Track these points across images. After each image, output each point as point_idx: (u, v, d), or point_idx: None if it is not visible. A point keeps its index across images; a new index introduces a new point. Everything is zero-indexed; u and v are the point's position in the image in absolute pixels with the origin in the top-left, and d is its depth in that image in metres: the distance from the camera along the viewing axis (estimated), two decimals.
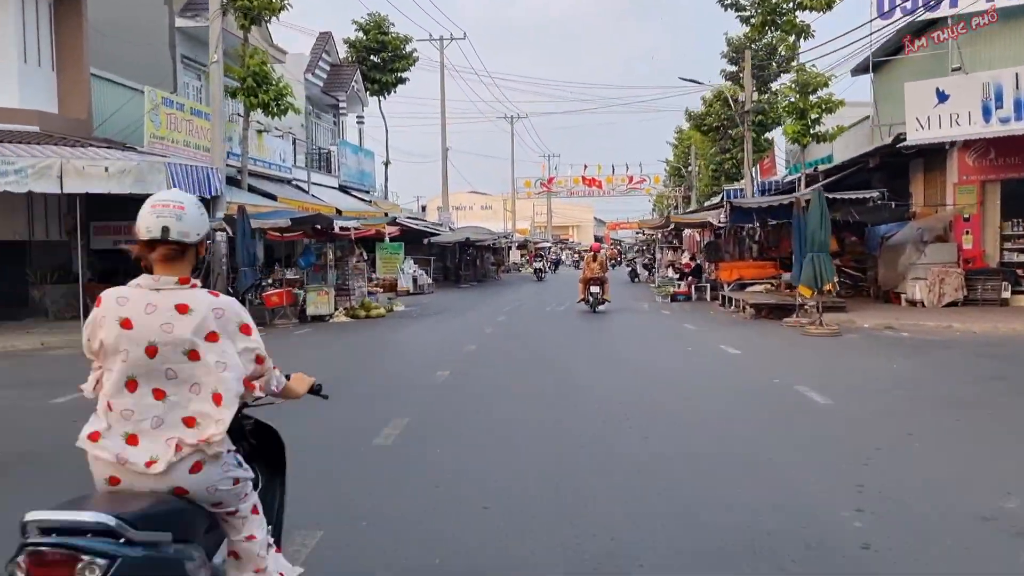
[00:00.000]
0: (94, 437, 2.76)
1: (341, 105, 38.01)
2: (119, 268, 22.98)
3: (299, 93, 34.21)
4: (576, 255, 66.14)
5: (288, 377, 3.26)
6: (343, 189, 36.10)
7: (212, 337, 2.78)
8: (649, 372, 11.46)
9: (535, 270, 44.35)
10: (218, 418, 2.76)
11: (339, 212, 29.02)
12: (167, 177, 18.83)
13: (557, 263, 57.26)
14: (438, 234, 40.93)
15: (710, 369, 11.70)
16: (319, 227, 21.22)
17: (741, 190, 31.68)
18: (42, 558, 2.34)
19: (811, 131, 26.54)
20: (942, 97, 18.11)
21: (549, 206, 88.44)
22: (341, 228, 19.49)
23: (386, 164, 40.41)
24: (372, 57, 39.92)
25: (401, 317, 22.04)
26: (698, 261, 26.82)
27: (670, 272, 33.39)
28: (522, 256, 64.23)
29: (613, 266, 40.34)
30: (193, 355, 2.76)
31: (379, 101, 40.42)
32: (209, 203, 21.63)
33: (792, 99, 26.52)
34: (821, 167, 28.06)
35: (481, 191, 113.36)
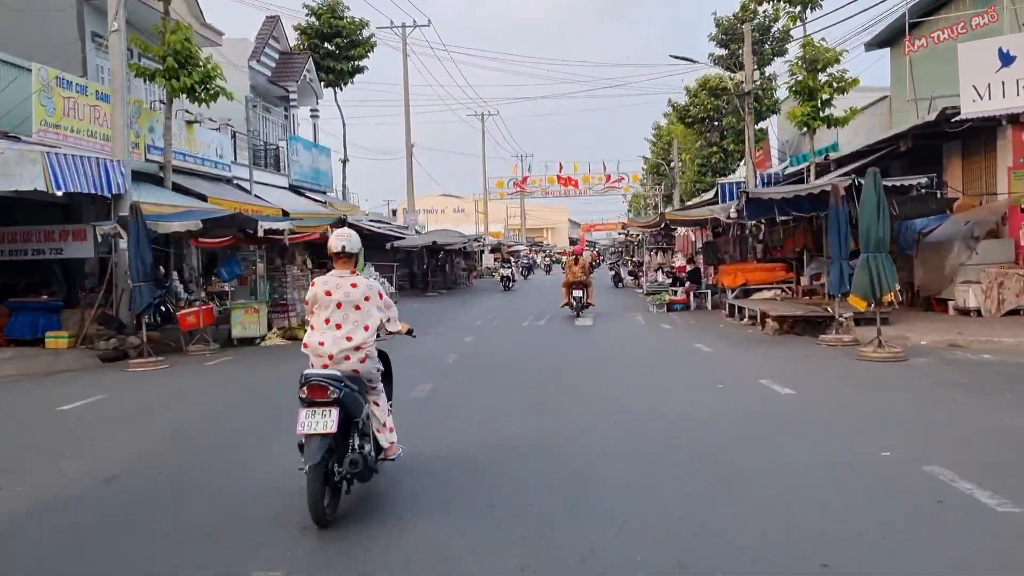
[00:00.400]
0: (311, 349, 5.66)
1: (292, 97, 34.08)
2: (18, 282, 19.23)
3: (242, 82, 30.31)
4: (548, 258, 62.34)
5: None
6: (295, 189, 32.19)
7: (367, 299, 5.70)
8: (677, 438, 7.56)
9: (501, 279, 38.19)
10: (369, 339, 5.69)
11: (286, 214, 25.19)
12: (45, 170, 14.94)
13: (530, 268, 52.76)
14: (402, 238, 37.12)
15: (767, 428, 7.86)
16: (250, 231, 17.35)
17: (738, 184, 28.21)
18: (313, 385, 5.31)
19: (821, 114, 23.12)
20: (1006, 59, 14.70)
21: (523, 207, 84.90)
22: (268, 231, 15.65)
23: (344, 162, 36.55)
24: (326, 44, 36.02)
25: None
26: (696, 264, 23.26)
27: (659, 276, 29.86)
28: (496, 260, 60.38)
29: (594, 267, 36.70)
30: (358, 307, 5.66)
31: (335, 93, 36.51)
32: (111, 203, 17.89)
33: (799, 77, 23.03)
34: (833, 155, 24.63)
35: (453, 194, 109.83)
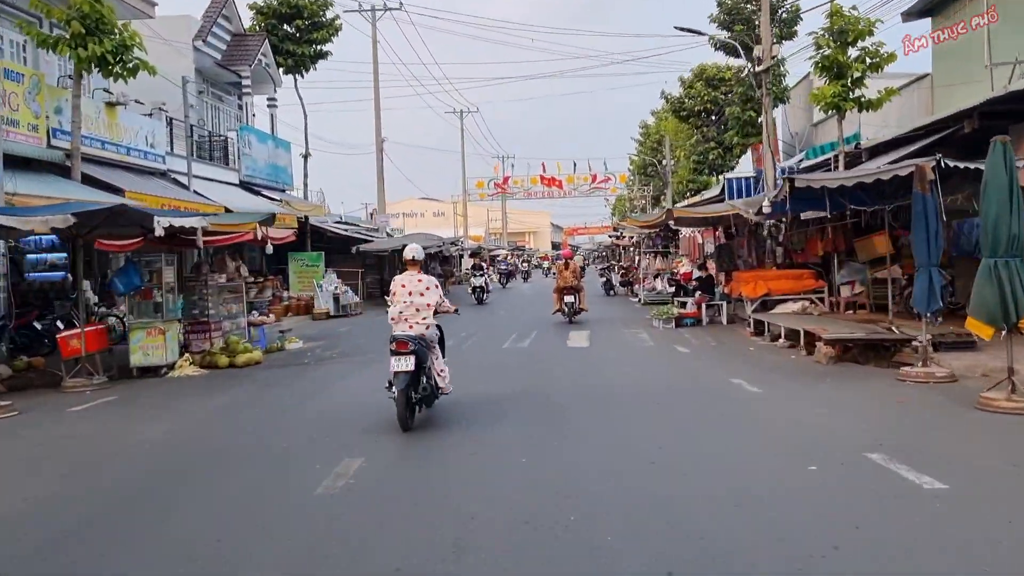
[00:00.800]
0: (395, 319, 8.64)
1: (245, 83, 30.17)
2: None
3: (184, 65, 26.43)
4: (526, 263, 58.46)
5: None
6: (247, 186, 28.30)
7: (427, 289, 8.70)
8: None
9: (472, 290, 31.23)
10: (429, 315, 8.69)
11: (228, 213, 21.37)
12: None
13: (509, 274, 47.63)
14: (371, 241, 33.26)
15: None
16: (162, 231, 13.46)
17: (747, 178, 24.67)
18: (399, 341, 8.25)
19: (852, 94, 19.54)
20: None
21: (504, 209, 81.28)
22: (169, 229, 11.77)
23: (305, 157, 32.64)
24: (284, 26, 32.12)
25: (284, 365, 14.36)
26: (709, 271, 19.59)
27: (659, 284, 26.22)
28: (475, 265, 56.65)
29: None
30: (422, 294, 8.64)
31: (295, 80, 32.62)
32: None
33: (826, 52, 19.43)
34: (863, 144, 21.04)
35: (433, 197, 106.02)
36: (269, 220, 14.29)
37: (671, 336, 16.86)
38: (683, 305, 19.27)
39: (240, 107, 31.22)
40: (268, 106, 32.63)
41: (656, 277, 26.10)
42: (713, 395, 9.97)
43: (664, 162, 44.37)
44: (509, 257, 60.92)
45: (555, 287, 20.93)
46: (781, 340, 14.31)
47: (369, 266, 37.62)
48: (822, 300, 18.31)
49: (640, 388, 10.46)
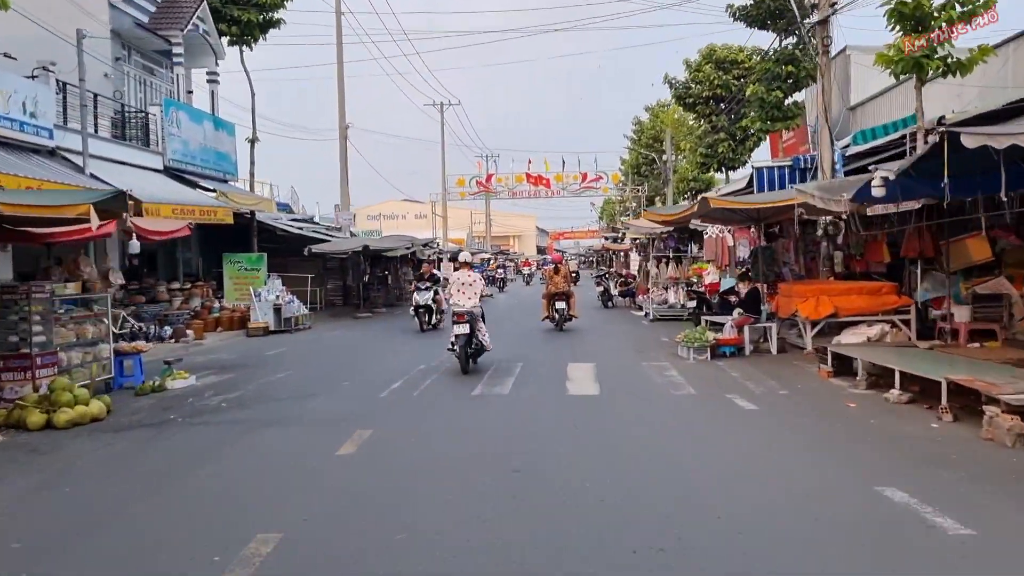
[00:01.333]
0: (454, 302, 12.92)
1: (176, 51, 24.95)
2: None
3: (98, 26, 21.24)
4: (502, 269, 52.84)
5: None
6: (173, 173, 23.11)
7: (475, 282, 13.10)
8: None
9: (415, 311, 21.07)
10: (476, 299, 12.93)
11: (132, 200, 16.26)
12: None
13: (503, 283, 36.17)
14: (327, 240, 28.12)
15: None
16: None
17: (784, 167, 19.68)
18: (458, 313, 12.54)
19: (937, 53, 14.62)
20: None
21: (488, 210, 76.35)
22: None
23: (251, 142, 27.47)
24: None
25: (133, 426, 9.05)
26: (754, 283, 14.49)
27: (672, 296, 21.21)
28: (421, 276, 51.46)
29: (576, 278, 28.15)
30: (471, 285, 13.01)
31: (241, 53, 27.46)
32: None
33: None
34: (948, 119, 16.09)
35: (415, 199, 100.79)
36: (114, 203, 9.12)
37: (711, 374, 11.82)
38: (717, 327, 14.23)
39: (174, 80, 26.00)
40: (208, 81, 27.45)
41: (669, 288, 21.09)
42: (880, 543, 4.91)
43: (665, 157, 39.48)
44: (496, 262, 54.30)
45: (544, 293, 20.06)
46: (897, 393, 9.27)
47: (330, 271, 32.50)
48: (906, 323, 13.40)
49: (739, 539, 5.36)
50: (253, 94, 27.39)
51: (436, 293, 20.96)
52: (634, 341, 16.68)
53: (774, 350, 13.90)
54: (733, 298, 14.93)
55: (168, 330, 18.89)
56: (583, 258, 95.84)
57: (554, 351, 15.13)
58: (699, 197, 13.22)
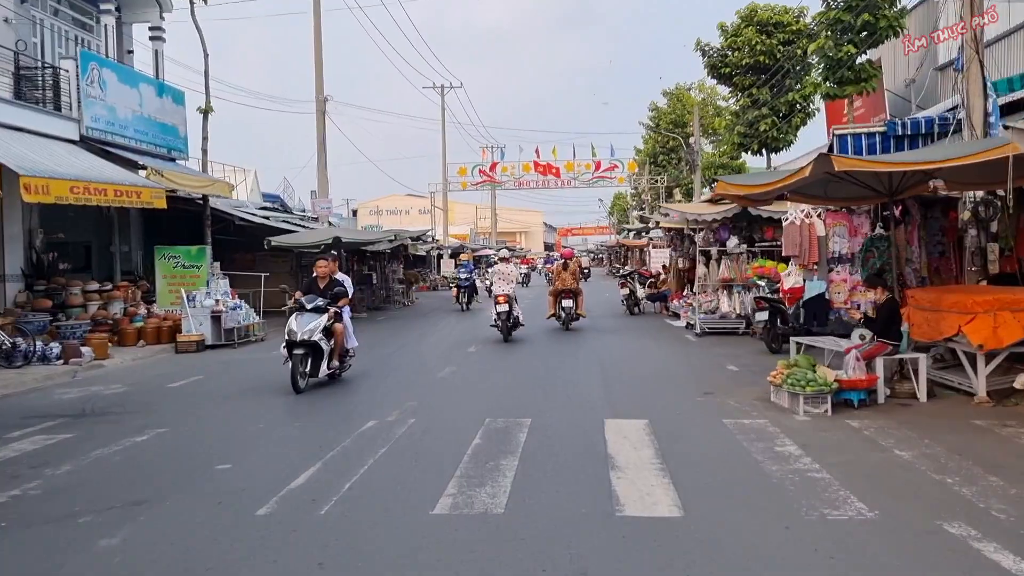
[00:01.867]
0: (496, 289, 16.48)
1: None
2: None
3: None
4: (483, 263, 46.81)
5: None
6: (95, 145, 18.15)
7: (513, 271, 17.71)
8: None
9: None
10: (514, 285, 17.01)
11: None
12: None
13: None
14: (294, 231, 23.13)
15: None
16: None
17: (875, 133, 14.64)
18: (499, 296, 16.07)
19: None
20: None
21: (493, 202, 71.41)
22: None
23: (204, 112, 22.44)
24: None
25: None
26: (885, 291, 9.39)
27: (725, 303, 16.17)
28: (499, 261, 46.56)
29: (586, 275, 23.35)
30: (510, 274, 17.10)
31: (191, 5, 22.38)
32: None
33: None
34: None
35: (419, 193, 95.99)
36: None
37: (862, 453, 6.72)
38: (849, 367, 9.15)
39: (118, 36, 21.03)
40: (152, 38, 22.48)
41: (721, 292, 16.03)
42: None
43: (692, 139, 34.31)
44: (497, 260, 46.70)
45: (551, 290, 18.85)
46: None
47: (306, 268, 27.56)
48: None
49: None
50: (206, 55, 22.33)
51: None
52: (691, 370, 11.62)
53: (922, 395, 8.85)
54: (861, 316, 9.85)
55: (55, 348, 13.93)
56: (592, 255, 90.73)
57: (577, 390, 10.11)
58: (817, 155, 8.03)
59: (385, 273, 28.35)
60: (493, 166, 48.02)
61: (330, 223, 27.45)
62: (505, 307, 15.79)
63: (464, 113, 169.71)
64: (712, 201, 17.95)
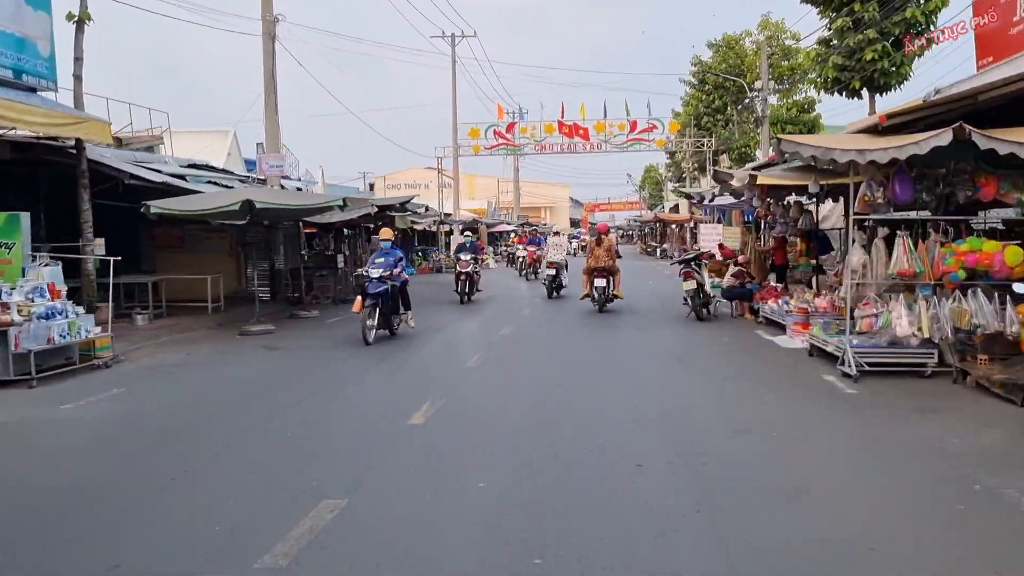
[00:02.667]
0: (550, 257, 20.52)
1: None
2: None
3: None
4: (505, 246, 38.78)
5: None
6: None
7: (561, 244, 21.98)
8: None
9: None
10: (565, 255, 21.44)
11: None
12: None
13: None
14: (194, 191, 15.69)
15: None
16: None
17: None
18: (551, 263, 19.89)
19: None
20: None
21: (516, 171, 63.88)
22: None
23: (77, 22, 15.24)
24: None
25: None
26: None
27: (903, 321, 8.61)
28: (466, 239, 39.17)
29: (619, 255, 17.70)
30: (561, 245, 21.66)
31: None
32: None
33: None
34: None
35: (442, 169, 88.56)
36: None
37: None
38: None
39: None
40: None
41: (894, 301, 8.48)
42: None
43: (758, 84, 26.43)
44: (552, 234, 35.28)
45: (585, 267, 16.65)
46: None
47: (250, 245, 20.38)
48: None
49: None
50: None
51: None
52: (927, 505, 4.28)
53: None
54: None
55: None
56: (622, 232, 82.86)
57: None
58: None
59: (357, 253, 21.01)
60: (510, 127, 40.41)
61: (282, 186, 20.10)
62: (553, 271, 19.37)
63: (479, 68, 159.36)
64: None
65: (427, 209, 36.93)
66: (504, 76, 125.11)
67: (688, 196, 19.77)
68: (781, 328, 12.27)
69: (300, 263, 20.50)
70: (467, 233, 23.39)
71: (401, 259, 13.08)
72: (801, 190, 11.83)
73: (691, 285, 13.86)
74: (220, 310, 17.27)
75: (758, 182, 11.02)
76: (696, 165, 48.46)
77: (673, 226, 46.31)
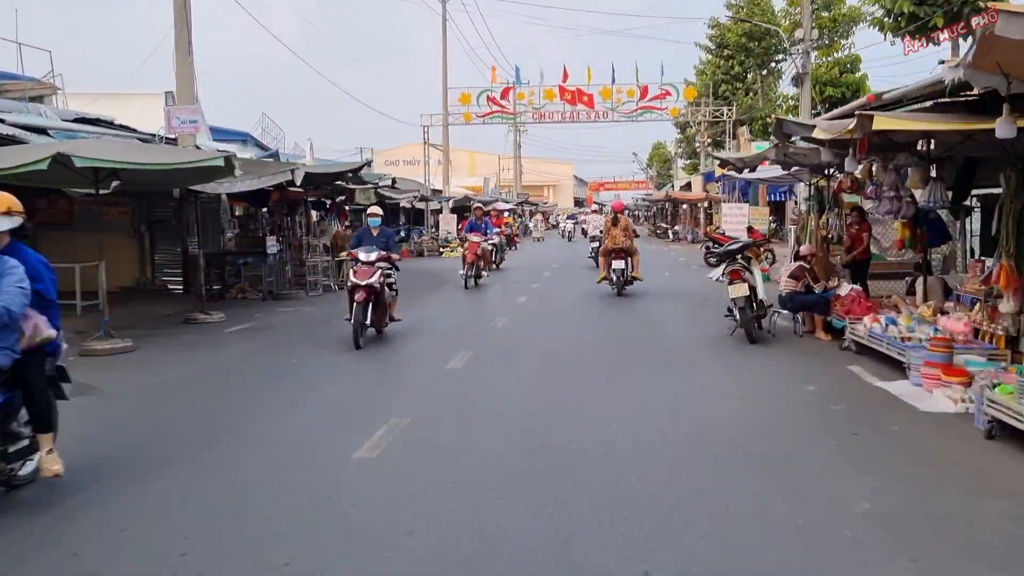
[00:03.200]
0: (605, 243, 15.10)
1: None
2: None
3: None
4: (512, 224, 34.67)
5: None
6: None
7: (629, 225, 15.14)
8: None
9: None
10: (633, 239, 15.42)
11: None
12: None
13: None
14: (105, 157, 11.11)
15: None
16: None
17: None
18: (612, 251, 14.58)
19: None
20: None
21: (516, 147, 59.30)
22: None
23: None
24: None
25: None
26: None
27: None
28: (463, 221, 34.66)
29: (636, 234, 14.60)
30: (628, 229, 15.01)
31: None
32: None
33: None
34: None
35: (438, 144, 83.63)
36: None
37: None
38: None
39: None
40: None
41: None
42: None
43: (800, 34, 21.50)
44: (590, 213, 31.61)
45: (601, 249, 15.85)
46: None
47: (161, 223, 15.78)
48: None
49: None
50: None
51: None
52: None
53: None
54: None
55: None
56: (628, 212, 78.10)
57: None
58: None
59: (297, 235, 16.32)
60: (506, 92, 35.61)
61: (198, 147, 15.41)
62: (621, 264, 14.67)
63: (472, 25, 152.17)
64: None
65: (431, 190, 32.13)
66: (499, 33, 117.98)
67: (723, 162, 15.08)
68: (888, 361, 7.67)
69: (232, 244, 15.98)
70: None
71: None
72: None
73: (741, 291, 9.18)
74: (100, 308, 12.68)
75: (878, 127, 6.33)
76: (710, 140, 43.59)
77: (685, 206, 41.55)
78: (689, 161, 54.24)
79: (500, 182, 77.36)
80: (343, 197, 19.73)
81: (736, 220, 25.96)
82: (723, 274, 9.57)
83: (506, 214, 40.79)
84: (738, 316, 9.30)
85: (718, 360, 8.56)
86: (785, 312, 9.98)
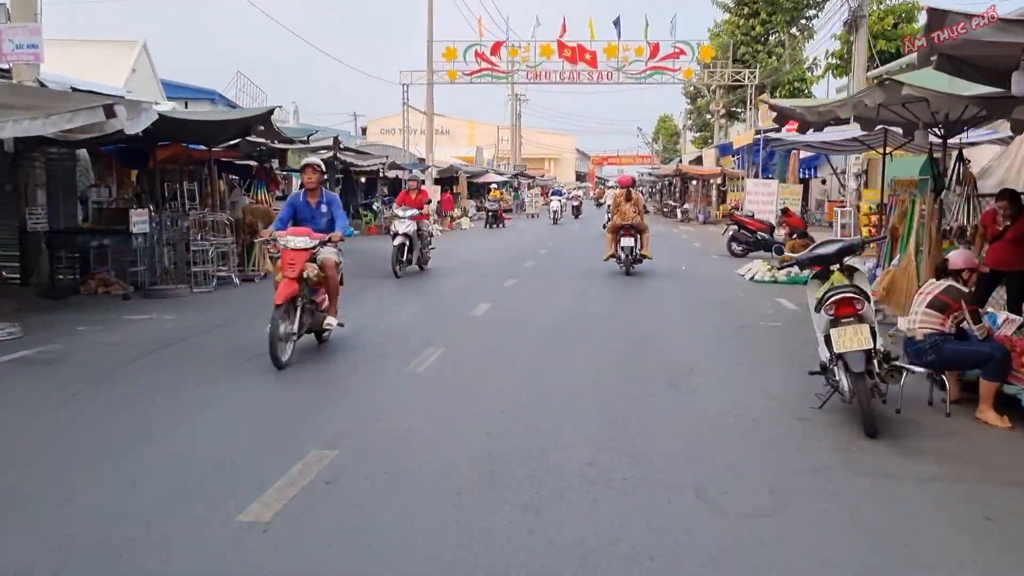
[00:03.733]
0: (615, 220, 14.04)
1: None
2: None
3: None
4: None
5: None
6: None
7: (638, 199, 14.59)
8: None
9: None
10: (643, 216, 14.91)
11: None
12: None
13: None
14: None
15: None
16: None
17: None
18: (623, 227, 13.96)
19: None
20: None
21: (514, 112, 54.99)
22: None
23: None
24: None
25: None
26: None
27: None
28: (481, 194, 30.46)
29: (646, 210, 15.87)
30: (637, 202, 14.44)
31: None
32: None
33: None
34: None
35: (438, 113, 78.38)
36: None
37: None
38: None
39: None
40: None
41: None
42: None
43: None
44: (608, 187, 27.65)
45: (610, 226, 15.11)
46: None
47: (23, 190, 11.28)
48: None
49: None
50: None
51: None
52: None
53: None
54: None
55: None
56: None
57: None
58: None
59: (200, 212, 11.81)
60: (496, 47, 30.88)
61: (41, 83, 10.89)
62: (631, 241, 14.18)
63: None
64: None
65: (415, 159, 27.56)
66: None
67: (780, 114, 10.55)
68: None
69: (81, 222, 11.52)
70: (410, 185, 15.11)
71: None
72: None
73: (860, 340, 4.76)
74: None
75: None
76: (725, 110, 38.91)
77: (695, 182, 37.02)
78: (700, 134, 49.54)
79: (499, 153, 72.70)
80: (275, 161, 15.30)
81: (762, 200, 21.57)
82: (820, 307, 5.14)
83: (494, 186, 36.25)
84: (848, 384, 4.89)
85: (820, 494, 4.17)
86: (918, 370, 5.53)
